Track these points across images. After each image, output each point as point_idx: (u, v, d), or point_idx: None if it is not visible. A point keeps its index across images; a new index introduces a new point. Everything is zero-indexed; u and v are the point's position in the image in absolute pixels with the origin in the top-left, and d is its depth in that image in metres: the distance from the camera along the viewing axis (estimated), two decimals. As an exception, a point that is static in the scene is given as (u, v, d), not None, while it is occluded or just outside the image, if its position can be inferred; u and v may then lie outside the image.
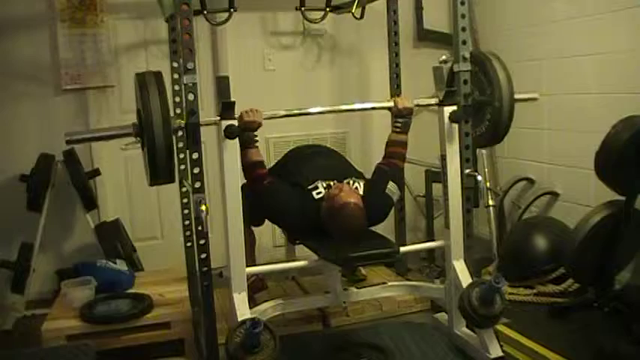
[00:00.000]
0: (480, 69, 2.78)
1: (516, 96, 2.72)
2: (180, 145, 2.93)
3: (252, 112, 2.57)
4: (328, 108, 2.90)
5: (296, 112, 2.78)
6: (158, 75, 2.36)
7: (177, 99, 3.13)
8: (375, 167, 2.88)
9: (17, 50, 3.53)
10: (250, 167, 2.61)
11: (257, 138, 2.62)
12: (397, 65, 3.43)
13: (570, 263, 2.95)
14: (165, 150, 2.29)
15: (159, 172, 2.33)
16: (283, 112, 2.75)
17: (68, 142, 2.43)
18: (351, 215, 2.57)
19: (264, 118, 2.60)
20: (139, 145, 2.42)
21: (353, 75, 4.20)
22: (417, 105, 2.87)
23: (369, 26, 3.77)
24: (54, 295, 3.22)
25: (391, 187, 2.77)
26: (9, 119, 3.54)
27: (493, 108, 2.71)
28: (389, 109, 2.86)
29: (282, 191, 2.70)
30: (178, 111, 3.13)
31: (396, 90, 3.44)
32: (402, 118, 2.84)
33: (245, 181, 2.64)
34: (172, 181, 2.44)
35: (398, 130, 2.85)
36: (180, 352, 2.79)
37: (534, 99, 2.90)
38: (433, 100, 2.79)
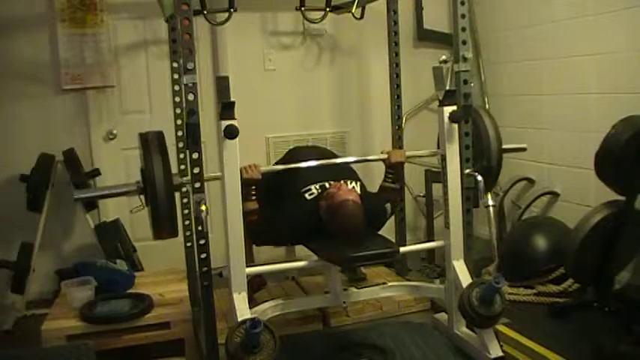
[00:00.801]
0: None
1: (505, 146, 2.78)
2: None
3: (250, 169, 2.64)
4: (322, 162, 2.83)
5: (293, 166, 2.80)
6: (160, 135, 2.43)
7: (178, 99, 3.13)
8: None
9: (17, 50, 3.53)
10: (246, 215, 2.61)
11: (254, 193, 2.70)
12: (397, 65, 3.42)
13: (570, 263, 2.95)
14: (168, 207, 2.37)
15: (162, 228, 2.43)
16: (281, 167, 2.84)
17: (77, 200, 2.48)
18: (350, 214, 2.58)
19: (263, 172, 2.66)
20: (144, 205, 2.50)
21: (353, 75, 4.20)
22: (410, 157, 2.94)
23: (369, 26, 3.77)
24: (54, 295, 3.22)
25: (387, 206, 2.88)
26: (9, 119, 3.54)
27: (481, 164, 2.74)
28: (383, 161, 2.91)
29: (274, 220, 2.75)
30: (178, 111, 3.14)
31: (396, 90, 3.43)
32: (394, 169, 2.91)
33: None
34: (175, 235, 2.52)
35: (390, 180, 2.94)
36: (180, 352, 2.79)
37: (522, 149, 2.97)
38: (426, 152, 2.92)
